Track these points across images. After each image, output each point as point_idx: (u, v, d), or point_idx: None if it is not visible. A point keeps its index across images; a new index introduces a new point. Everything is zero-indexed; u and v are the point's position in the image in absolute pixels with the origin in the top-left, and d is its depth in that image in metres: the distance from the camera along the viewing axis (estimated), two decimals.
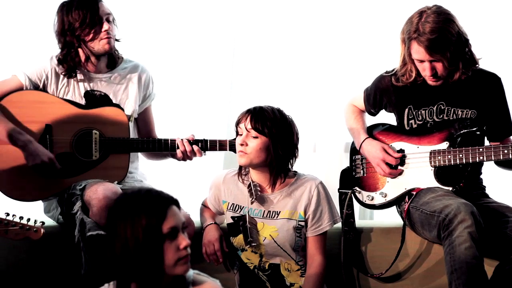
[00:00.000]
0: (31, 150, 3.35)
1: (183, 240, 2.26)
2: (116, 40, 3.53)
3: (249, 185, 3.23)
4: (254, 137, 3.13)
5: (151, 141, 3.52)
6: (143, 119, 3.67)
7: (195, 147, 3.51)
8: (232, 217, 3.26)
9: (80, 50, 3.47)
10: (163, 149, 3.52)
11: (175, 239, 2.26)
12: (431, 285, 3.45)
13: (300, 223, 3.21)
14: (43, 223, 3.05)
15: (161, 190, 2.33)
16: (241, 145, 3.14)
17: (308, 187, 3.22)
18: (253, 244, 3.20)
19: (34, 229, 3.01)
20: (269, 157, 3.15)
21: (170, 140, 3.52)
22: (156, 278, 2.25)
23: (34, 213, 3.30)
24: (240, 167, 3.26)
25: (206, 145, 3.54)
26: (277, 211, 3.22)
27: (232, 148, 3.51)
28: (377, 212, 4.03)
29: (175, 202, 2.30)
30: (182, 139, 3.51)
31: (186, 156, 3.51)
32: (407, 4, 3.95)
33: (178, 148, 3.50)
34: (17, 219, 2.99)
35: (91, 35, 3.42)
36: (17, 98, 3.45)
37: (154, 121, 3.73)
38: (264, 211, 3.23)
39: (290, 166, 3.22)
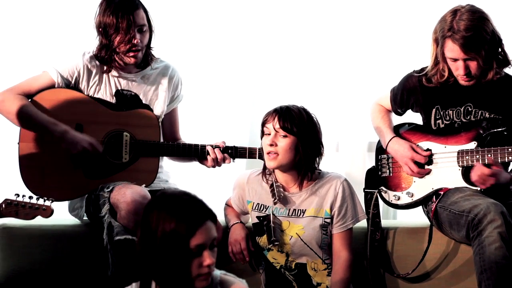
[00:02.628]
0: (69, 139, 3.34)
1: (208, 258, 2.23)
2: (149, 48, 3.49)
3: (272, 185, 3.23)
4: (283, 136, 3.13)
5: (181, 146, 3.50)
6: (169, 120, 3.66)
7: (226, 155, 3.49)
8: (258, 217, 3.26)
9: (110, 49, 3.43)
10: (193, 155, 3.50)
11: (200, 256, 2.22)
12: (458, 285, 3.43)
13: (326, 220, 3.21)
14: (52, 200, 3.04)
15: (203, 202, 2.29)
16: (271, 145, 3.13)
17: (333, 185, 3.22)
18: (276, 243, 3.20)
19: (43, 207, 3.02)
20: (297, 156, 3.14)
21: (201, 146, 3.50)
22: (177, 284, 2.23)
23: (57, 211, 3.28)
24: (265, 167, 3.25)
25: (236, 153, 3.52)
26: (302, 210, 3.22)
27: (261, 156, 3.46)
28: (400, 211, 4.01)
29: (212, 217, 2.26)
30: (213, 146, 3.49)
31: (216, 164, 3.49)
32: (432, 3, 3.96)
33: (208, 155, 3.48)
34: (26, 199, 2.99)
35: (121, 44, 3.37)
36: (49, 96, 3.44)
37: (179, 122, 3.72)
38: (290, 209, 3.23)
39: (316, 164, 3.21)
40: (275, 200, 3.20)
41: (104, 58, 3.44)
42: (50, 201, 3.02)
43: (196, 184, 3.85)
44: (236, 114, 4.19)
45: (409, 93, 3.47)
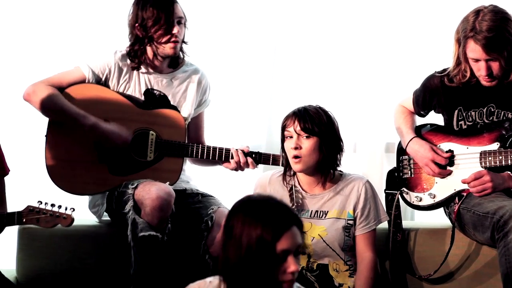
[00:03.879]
0: (101, 131, 3.36)
1: (292, 265, 2.16)
2: (184, 42, 3.51)
3: (290, 189, 3.22)
4: (305, 137, 3.12)
5: (206, 148, 3.50)
6: (195, 124, 3.66)
7: (249, 159, 3.49)
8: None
9: (148, 47, 3.45)
10: (217, 157, 3.50)
11: (284, 262, 2.17)
12: (480, 287, 3.42)
13: (349, 222, 3.20)
14: (73, 209, 3.04)
15: (289, 207, 2.24)
16: (295, 148, 3.12)
17: (356, 186, 3.22)
18: None
19: (64, 216, 3.02)
20: (321, 156, 3.14)
21: (225, 150, 3.49)
22: None
23: (78, 211, 3.28)
24: (285, 169, 3.24)
25: (259, 158, 3.52)
26: (325, 211, 3.22)
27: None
28: (418, 213, 4.00)
29: (298, 223, 2.20)
30: (237, 150, 3.49)
31: (239, 167, 3.49)
32: (454, 4, 3.95)
33: (232, 158, 3.48)
34: (48, 207, 2.99)
35: (161, 36, 3.40)
36: (79, 91, 3.44)
37: (204, 127, 3.72)
38: (312, 211, 3.23)
39: (338, 161, 3.21)
40: (293, 206, 3.20)
41: (137, 52, 3.45)
42: (71, 210, 3.02)
43: (216, 188, 3.83)
44: (253, 117, 4.17)
45: (431, 94, 3.46)
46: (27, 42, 3.95)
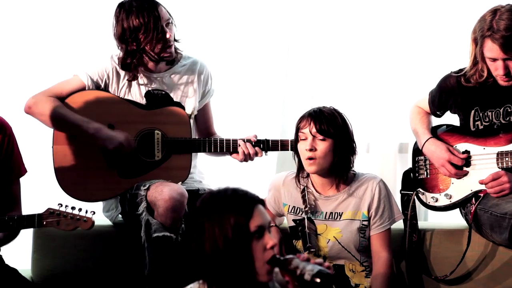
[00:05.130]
0: (104, 135, 3.35)
1: (270, 240, 2.23)
2: (175, 40, 3.49)
3: (303, 191, 3.21)
4: (321, 139, 3.11)
5: (212, 141, 3.49)
6: (202, 116, 3.64)
7: (257, 149, 3.47)
8: (294, 220, 3.23)
9: (137, 55, 3.42)
10: (225, 150, 3.49)
11: (262, 238, 2.23)
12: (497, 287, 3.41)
13: (363, 223, 3.19)
14: (93, 212, 3.04)
15: (247, 190, 2.29)
16: (310, 150, 3.11)
17: (369, 186, 3.20)
18: (312, 250, 3.17)
19: (84, 219, 3.00)
20: (335, 158, 3.13)
21: (232, 141, 3.49)
22: (247, 279, 2.22)
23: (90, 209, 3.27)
24: (299, 170, 3.23)
25: (268, 145, 3.51)
26: (339, 212, 3.20)
27: (294, 150, 3.48)
28: (431, 213, 3.99)
29: (261, 202, 2.27)
30: (244, 141, 3.48)
31: (248, 158, 3.48)
32: (469, 4, 3.94)
33: (240, 146, 3.47)
34: (69, 210, 2.98)
35: (153, 43, 3.36)
36: (79, 98, 3.44)
37: (212, 117, 3.70)
38: (326, 213, 3.21)
39: (352, 164, 3.20)
40: (306, 209, 3.18)
41: (131, 65, 3.42)
42: (92, 213, 3.02)
43: (228, 184, 3.82)
44: (267, 110, 4.17)
45: (448, 94, 3.44)
46: (25, 51, 3.98)
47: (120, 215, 3.50)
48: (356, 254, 3.20)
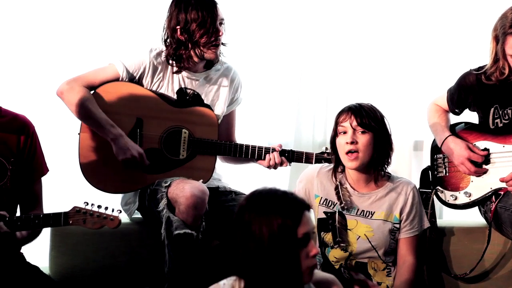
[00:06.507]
0: (121, 144, 3.33)
1: (313, 248, 2.22)
2: (223, 44, 3.48)
3: (336, 187, 3.20)
4: (361, 132, 3.10)
5: (239, 146, 3.48)
6: (226, 122, 3.64)
7: (283, 158, 3.48)
8: (325, 213, 3.22)
9: (189, 46, 3.40)
10: (250, 156, 3.48)
11: (306, 246, 2.21)
12: None
13: (395, 225, 3.18)
14: (120, 211, 3.03)
15: (295, 194, 2.28)
16: (351, 143, 3.10)
17: (404, 190, 3.20)
18: (342, 244, 3.17)
19: (111, 218, 2.97)
20: (375, 152, 3.12)
21: (258, 148, 3.48)
22: (288, 281, 2.20)
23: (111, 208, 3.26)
24: (336, 164, 3.22)
25: (292, 156, 3.52)
26: (371, 211, 3.19)
27: (318, 161, 3.50)
28: (446, 211, 3.99)
29: (308, 208, 2.26)
30: (270, 150, 3.47)
31: (273, 167, 3.49)
32: (485, 2, 3.93)
33: (267, 154, 3.47)
34: (95, 208, 2.97)
35: (205, 39, 3.37)
36: (111, 89, 3.42)
37: (235, 125, 3.70)
38: (358, 209, 3.20)
39: (390, 159, 3.20)
40: (342, 205, 3.18)
41: (182, 57, 3.41)
42: (118, 211, 3.00)
43: (245, 185, 3.80)
44: (281, 115, 4.15)
45: (467, 91, 3.44)
46: (61, 39, 3.93)
47: (137, 211, 3.49)
48: (382, 255, 3.19)
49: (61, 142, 3.57)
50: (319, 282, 2.32)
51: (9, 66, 3.89)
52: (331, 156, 3.25)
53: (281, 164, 3.49)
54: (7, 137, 3.05)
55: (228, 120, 3.65)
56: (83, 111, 3.34)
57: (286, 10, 4.09)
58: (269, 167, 3.50)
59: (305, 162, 3.53)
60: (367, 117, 3.10)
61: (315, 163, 3.48)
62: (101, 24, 3.93)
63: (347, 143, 3.10)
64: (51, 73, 3.87)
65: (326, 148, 3.53)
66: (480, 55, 3.54)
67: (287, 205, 2.20)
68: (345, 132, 3.12)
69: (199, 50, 3.40)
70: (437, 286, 3.43)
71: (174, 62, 3.44)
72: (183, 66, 3.43)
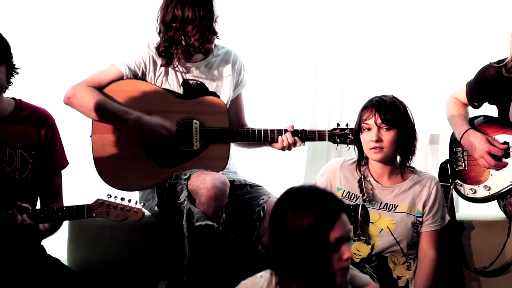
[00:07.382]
0: (145, 124, 3.33)
1: (346, 251, 2.18)
2: (217, 37, 3.45)
3: (360, 180, 3.19)
4: (386, 129, 3.10)
5: (251, 131, 3.47)
6: (234, 106, 3.63)
7: (296, 138, 3.47)
8: (348, 205, 3.21)
9: (183, 44, 3.39)
10: (263, 139, 3.47)
11: (339, 250, 2.18)
12: None
13: (418, 219, 3.18)
14: (144, 203, 3.03)
15: (334, 194, 2.24)
16: (376, 141, 3.09)
17: (427, 184, 3.21)
18: (362, 238, 3.16)
19: (134, 210, 2.96)
20: (399, 148, 3.12)
21: (270, 131, 3.47)
22: (320, 281, 2.18)
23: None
24: (360, 157, 3.21)
25: (305, 136, 3.51)
26: (394, 204, 3.18)
27: (331, 138, 3.49)
28: (462, 205, 3.97)
29: (346, 209, 2.22)
30: (283, 132, 3.46)
31: (287, 148, 3.47)
32: None
33: (280, 136, 3.46)
34: (118, 201, 2.96)
35: (198, 35, 3.35)
36: (118, 88, 3.42)
37: (244, 108, 3.69)
38: (382, 202, 3.20)
39: (414, 151, 3.19)
40: (364, 197, 3.17)
41: (173, 54, 3.40)
42: (142, 204, 2.99)
43: (262, 177, 3.80)
44: (298, 96, 4.13)
45: (487, 85, 3.42)
46: (61, 39, 3.95)
47: (156, 206, 3.47)
48: (405, 248, 3.19)
49: (81, 136, 3.55)
50: (352, 278, 2.29)
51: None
52: (354, 149, 3.23)
53: (295, 144, 3.48)
54: (28, 130, 3.04)
55: (236, 104, 3.63)
56: (97, 108, 3.33)
57: None
58: (283, 148, 3.48)
59: (318, 140, 3.54)
60: (391, 113, 3.09)
61: (328, 140, 3.49)
62: (98, 27, 3.95)
63: (372, 140, 3.11)
64: (51, 73, 3.91)
65: (338, 124, 3.54)
66: (499, 48, 3.53)
67: (323, 204, 2.17)
68: (369, 129, 3.12)
69: (192, 48, 3.39)
70: (457, 280, 3.42)
71: (165, 58, 3.42)
72: (170, 63, 3.42)
